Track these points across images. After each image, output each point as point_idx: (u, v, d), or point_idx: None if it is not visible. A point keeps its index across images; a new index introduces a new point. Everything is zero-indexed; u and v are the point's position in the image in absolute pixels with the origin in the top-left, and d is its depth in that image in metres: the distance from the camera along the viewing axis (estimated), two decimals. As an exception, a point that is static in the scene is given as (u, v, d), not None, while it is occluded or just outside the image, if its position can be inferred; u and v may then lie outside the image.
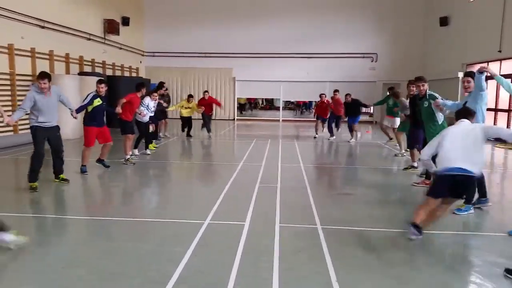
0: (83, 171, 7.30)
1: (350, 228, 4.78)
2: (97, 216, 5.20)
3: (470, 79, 5.56)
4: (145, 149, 9.68)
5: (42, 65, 12.70)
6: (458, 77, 16.60)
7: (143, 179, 7.57)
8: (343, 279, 3.44)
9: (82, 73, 14.47)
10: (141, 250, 4.07)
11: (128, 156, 8.49)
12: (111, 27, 17.31)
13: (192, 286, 3.31)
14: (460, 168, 4.05)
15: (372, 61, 21.08)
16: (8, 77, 11.33)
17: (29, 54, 12.22)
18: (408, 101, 9.31)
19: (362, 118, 14.05)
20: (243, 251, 3.98)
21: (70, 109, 6.73)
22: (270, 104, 36.11)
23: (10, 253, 4.05)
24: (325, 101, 13.80)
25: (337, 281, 3.39)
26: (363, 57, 20.99)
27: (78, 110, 7.03)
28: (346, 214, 5.43)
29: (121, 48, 18.70)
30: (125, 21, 18.86)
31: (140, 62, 21.42)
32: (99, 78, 8.41)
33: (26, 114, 6.21)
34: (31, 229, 4.78)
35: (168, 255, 3.89)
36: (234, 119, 22.41)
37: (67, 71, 14.18)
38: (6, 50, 11.26)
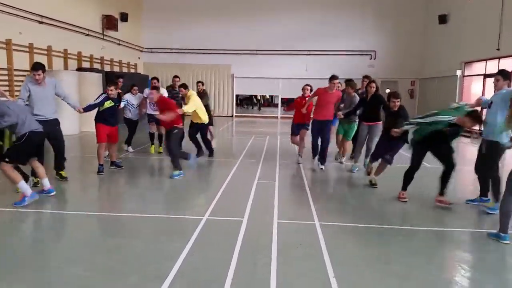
0: (99, 170, 7.13)
1: (348, 224, 4.80)
2: (94, 212, 5.20)
3: (500, 77, 5.33)
4: (127, 146, 9.42)
5: (40, 61, 12.53)
6: (457, 75, 16.65)
7: (141, 175, 7.56)
8: (341, 275, 3.45)
9: (80, 69, 14.44)
10: (139, 246, 4.07)
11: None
12: (109, 23, 17.24)
13: (190, 282, 3.32)
14: None
15: (371, 59, 21.07)
16: (6, 72, 11.29)
17: (27, 49, 12.18)
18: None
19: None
20: (241, 247, 4.00)
21: (69, 104, 6.61)
22: (269, 102, 36.18)
23: (7, 250, 4.06)
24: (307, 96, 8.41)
25: (335, 277, 3.40)
26: (362, 54, 20.99)
27: (86, 108, 6.89)
28: (344, 211, 5.46)
29: (119, 44, 18.65)
30: (124, 17, 18.79)
31: (139, 58, 21.36)
32: (112, 80, 7.91)
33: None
34: (27, 225, 4.78)
35: (166, 251, 3.90)
36: (232, 116, 22.42)
37: (65, 67, 14.14)
38: (4, 46, 11.22)
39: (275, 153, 9.82)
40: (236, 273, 3.45)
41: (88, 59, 15.86)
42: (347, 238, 4.41)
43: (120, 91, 8.04)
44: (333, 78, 7.74)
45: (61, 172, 6.55)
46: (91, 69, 14.85)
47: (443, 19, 17.99)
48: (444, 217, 5.17)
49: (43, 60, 12.84)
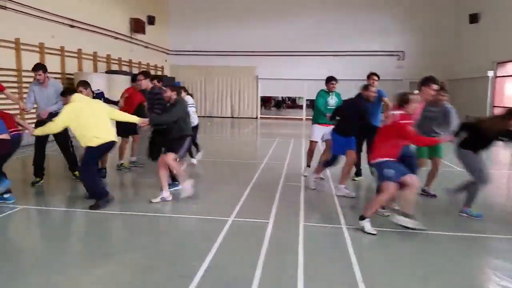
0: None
1: (376, 228, 4.70)
2: (123, 211, 5.29)
3: None
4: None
5: (71, 63, 13.06)
6: (488, 76, 16.14)
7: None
8: (369, 279, 3.40)
9: (109, 72, 14.78)
10: (167, 245, 4.13)
11: (122, 161, 7.70)
12: (137, 26, 17.60)
13: (218, 281, 3.34)
14: None
15: (399, 59, 20.68)
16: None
17: (58, 52, 12.57)
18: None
19: None
20: (267, 248, 3.99)
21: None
22: (293, 103, 36.14)
23: (43, 247, 4.19)
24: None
25: (363, 282, 3.35)
26: (390, 55, 20.63)
27: (51, 114, 6.16)
28: (372, 215, 5.34)
29: (146, 47, 19.00)
30: (151, 20, 19.14)
31: (166, 60, 21.70)
32: (83, 80, 6.37)
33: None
34: (59, 223, 4.91)
35: (194, 251, 3.94)
36: (257, 117, 22.46)
37: (95, 69, 14.52)
38: (37, 49, 11.62)
39: (300, 155, 9.75)
40: (263, 275, 3.44)
41: (117, 62, 16.22)
42: (375, 242, 4.32)
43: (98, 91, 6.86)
44: (432, 81, 5.10)
45: (75, 173, 6.59)
46: (120, 72, 15.18)
47: (474, 18, 17.49)
48: (476, 223, 4.99)
49: (73, 62, 13.27)
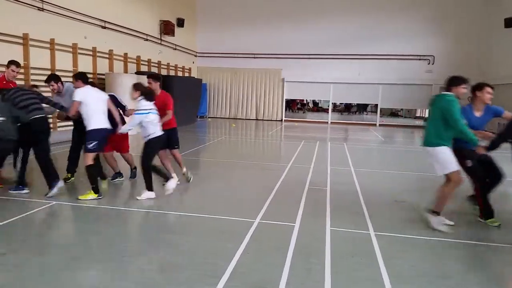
0: (113, 177, 6.80)
1: (405, 236, 4.61)
2: (152, 209, 5.37)
3: None
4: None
5: (102, 64, 13.39)
6: (524, 82, 15.58)
7: (196, 177, 7.71)
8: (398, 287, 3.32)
9: (139, 73, 15.07)
10: (194, 245, 4.17)
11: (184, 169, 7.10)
12: (167, 28, 17.90)
13: (245, 282, 3.34)
14: None
15: (428, 64, 20.25)
16: (71, 74, 11.99)
17: (90, 53, 12.92)
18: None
19: None
20: (294, 251, 3.97)
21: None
22: (317, 106, 35.95)
23: (72, 243, 4.29)
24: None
25: (392, 289, 3.28)
26: (419, 59, 20.22)
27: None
28: (401, 221, 5.24)
29: (175, 49, 19.28)
30: (180, 23, 19.43)
31: (193, 62, 21.96)
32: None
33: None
34: (87, 220, 5.01)
35: (221, 251, 3.96)
36: (281, 120, 22.43)
37: (125, 70, 14.84)
38: (71, 49, 11.97)
39: (326, 159, 9.67)
40: (290, 277, 3.43)
41: (146, 63, 16.53)
42: (405, 250, 4.23)
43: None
44: None
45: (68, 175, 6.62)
46: (149, 73, 15.45)
47: (509, 23, 16.92)
48: (510, 233, 4.81)
49: (104, 63, 13.60)
